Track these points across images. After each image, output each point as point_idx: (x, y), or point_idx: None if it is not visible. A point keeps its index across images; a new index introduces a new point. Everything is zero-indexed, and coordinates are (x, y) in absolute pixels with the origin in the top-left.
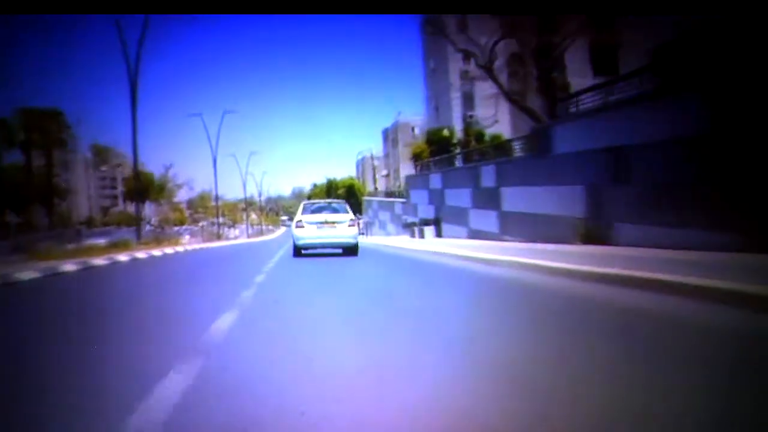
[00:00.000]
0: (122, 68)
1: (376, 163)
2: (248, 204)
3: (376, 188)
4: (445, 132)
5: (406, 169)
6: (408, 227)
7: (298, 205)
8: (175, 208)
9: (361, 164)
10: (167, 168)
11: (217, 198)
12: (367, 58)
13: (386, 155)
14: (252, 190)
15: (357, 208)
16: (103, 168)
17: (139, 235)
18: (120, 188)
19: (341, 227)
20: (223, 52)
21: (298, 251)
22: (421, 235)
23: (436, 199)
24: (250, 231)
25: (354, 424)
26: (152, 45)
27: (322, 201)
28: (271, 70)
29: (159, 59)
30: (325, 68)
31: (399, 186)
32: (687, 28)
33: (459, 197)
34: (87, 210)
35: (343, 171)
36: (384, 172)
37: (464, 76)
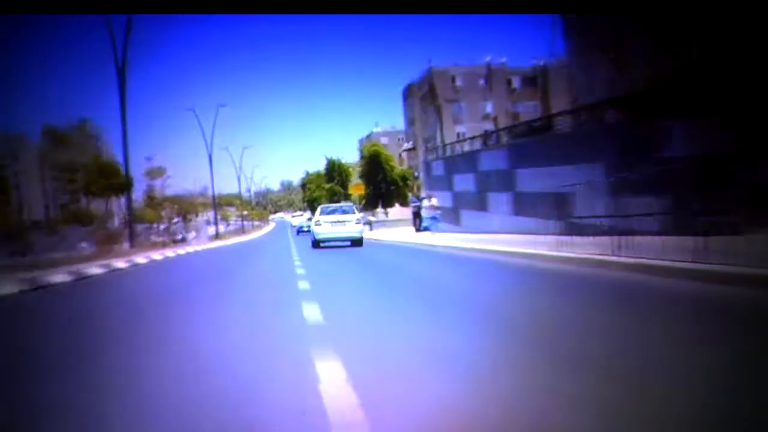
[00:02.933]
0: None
1: (384, 140)
2: (238, 199)
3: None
4: None
5: (451, 131)
6: None
7: (287, 198)
8: (151, 203)
9: (365, 143)
10: None
11: (128, 170)
12: (361, 40)
13: (410, 122)
14: (233, 182)
15: (386, 188)
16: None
17: None
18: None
19: (350, 225)
20: (211, 47)
21: (317, 244)
22: None
23: None
24: (225, 228)
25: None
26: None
27: (334, 204)
28: (260, 63)
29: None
30: (317, 54)
31: (441, 153)
32: None
33: None
34: (40, 207)
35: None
36: (408, 145)
37: None
